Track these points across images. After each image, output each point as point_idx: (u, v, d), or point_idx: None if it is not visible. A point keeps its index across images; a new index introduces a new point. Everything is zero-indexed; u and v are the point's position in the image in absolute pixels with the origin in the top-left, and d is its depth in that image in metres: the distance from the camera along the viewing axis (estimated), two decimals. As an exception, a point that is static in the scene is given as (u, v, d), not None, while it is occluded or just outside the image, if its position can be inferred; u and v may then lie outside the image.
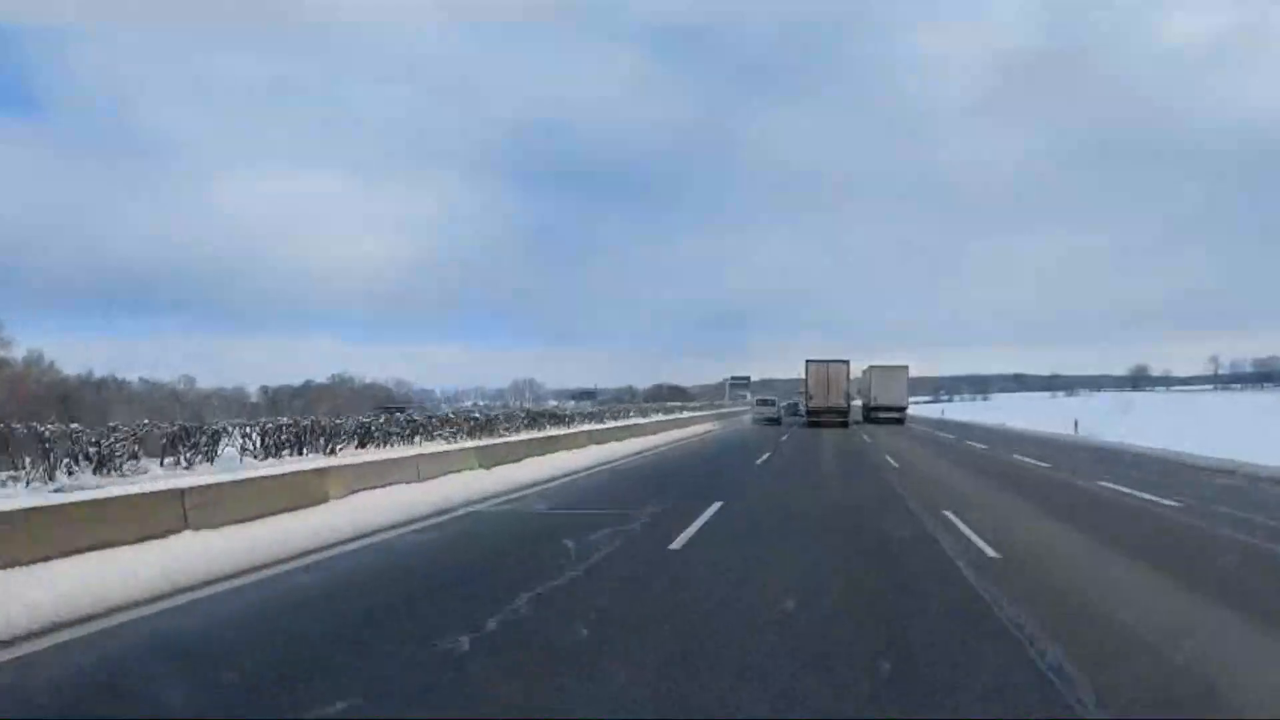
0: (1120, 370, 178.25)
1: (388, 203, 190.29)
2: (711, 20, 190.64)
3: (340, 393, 70.11)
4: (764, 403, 54.21)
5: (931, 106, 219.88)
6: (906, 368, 51.27)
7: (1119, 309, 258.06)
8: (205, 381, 72.39)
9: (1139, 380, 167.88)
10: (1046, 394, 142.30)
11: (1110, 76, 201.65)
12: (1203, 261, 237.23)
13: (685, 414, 48.78)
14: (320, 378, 78.99)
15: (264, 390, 70.66)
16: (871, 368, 51.28)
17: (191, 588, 6.94)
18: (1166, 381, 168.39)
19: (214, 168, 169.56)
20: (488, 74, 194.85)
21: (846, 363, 45.90)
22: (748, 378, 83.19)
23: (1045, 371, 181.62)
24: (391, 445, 19.74)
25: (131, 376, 62.77)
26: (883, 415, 48.90)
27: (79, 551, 7.07)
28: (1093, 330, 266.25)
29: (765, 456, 23.13)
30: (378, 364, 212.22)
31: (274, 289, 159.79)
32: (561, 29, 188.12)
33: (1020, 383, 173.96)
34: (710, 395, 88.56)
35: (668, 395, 79.03)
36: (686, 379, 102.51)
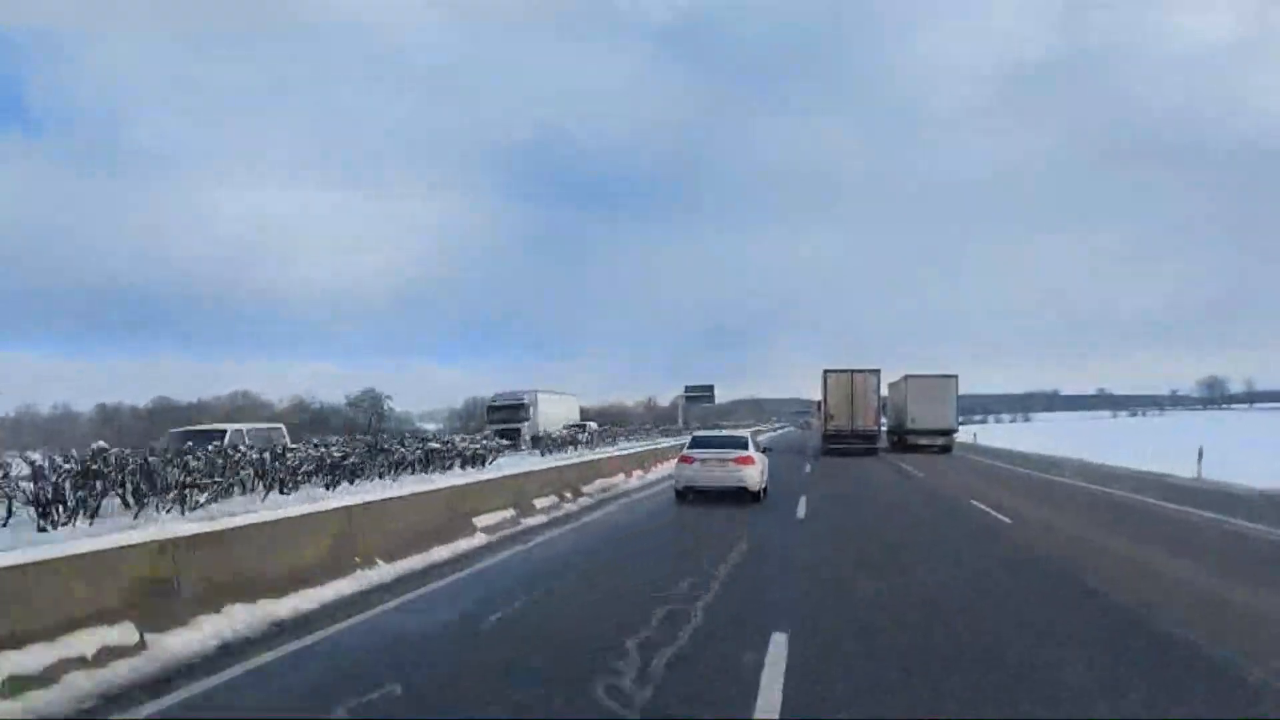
0: (1186, 385, 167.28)
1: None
2: (712, 21, 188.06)
3: (212, 411, 61.57)
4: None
5: (936, 108, 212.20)
6: (955, 378, 38.22)
7: (1180, 314, 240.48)
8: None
9: (1214, 398, 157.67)
10: (1106, 414, 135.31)
11: (1114, 79, 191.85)
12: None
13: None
14: (189, 397, 69.85)
15: (101, 408, 67.82)
16: (907, 378, 39.16)
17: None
18: (1251, 398, 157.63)
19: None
20: (481, 77, 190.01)
21: (877, 372, 36.32)
22: (710, 388, 70.75)
23: (1087, 389, 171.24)
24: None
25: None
26: (924, 441, 37.66)
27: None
28: (1146, 341, 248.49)
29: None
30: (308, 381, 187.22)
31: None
32: (561, 31, 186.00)
33: (1060, 401, 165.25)
34: (657, 419, 74.08)
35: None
36: (671, 390, 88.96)
